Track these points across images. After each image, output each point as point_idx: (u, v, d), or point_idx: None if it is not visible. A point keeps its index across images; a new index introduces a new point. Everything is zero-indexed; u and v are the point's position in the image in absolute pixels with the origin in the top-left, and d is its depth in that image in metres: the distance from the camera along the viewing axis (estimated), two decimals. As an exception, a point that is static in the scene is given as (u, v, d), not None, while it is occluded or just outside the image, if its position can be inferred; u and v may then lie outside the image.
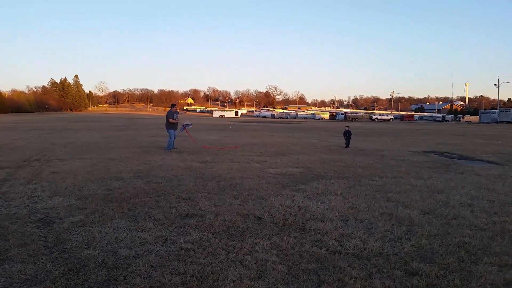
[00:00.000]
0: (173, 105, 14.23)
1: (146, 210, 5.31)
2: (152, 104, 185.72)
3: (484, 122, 71.43)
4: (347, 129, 15.60)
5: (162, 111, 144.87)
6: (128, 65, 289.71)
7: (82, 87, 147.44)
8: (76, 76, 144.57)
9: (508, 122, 65.81)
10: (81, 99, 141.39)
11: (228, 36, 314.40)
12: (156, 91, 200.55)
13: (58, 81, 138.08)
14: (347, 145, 15.21)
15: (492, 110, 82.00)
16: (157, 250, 3.82)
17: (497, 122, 68.04)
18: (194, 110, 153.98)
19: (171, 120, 13.28)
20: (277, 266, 3.49)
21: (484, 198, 6.47)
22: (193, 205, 5.66)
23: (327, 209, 5.53)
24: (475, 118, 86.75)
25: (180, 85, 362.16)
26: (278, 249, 3.90)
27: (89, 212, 5.13)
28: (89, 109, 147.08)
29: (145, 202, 5.76)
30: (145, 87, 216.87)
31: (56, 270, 3.29)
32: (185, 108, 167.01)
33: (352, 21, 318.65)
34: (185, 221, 4.83)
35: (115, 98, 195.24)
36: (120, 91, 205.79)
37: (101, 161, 10.18)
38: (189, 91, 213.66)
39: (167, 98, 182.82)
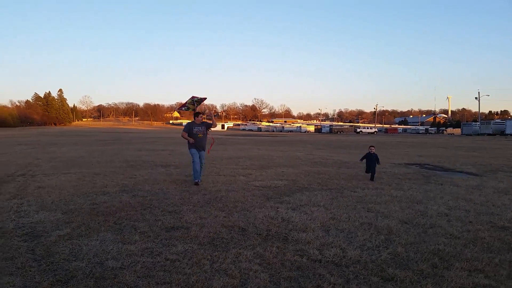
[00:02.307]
0: (197, 114, 9.33)
1: (132, 223, 5.40)
2: (137, 118, 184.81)
3: (466, 134, 73.05)
4: (372, 151, 10.16)
5: (147, 125, 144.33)
6: (113, 79, 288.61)
7: (67, 101, 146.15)
8: (60, 90, 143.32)
9: (489, 134, 67.45)
10: (65, 114, 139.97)
11: (214, 50, 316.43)
12: (141, 104, 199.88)
13: (42, 95, 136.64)
14: (371, 176, 9.98)
15: (473, 123, 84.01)
16: (143, 261, 3.92)
17: (478, 134, 69.66)
18: (180, 124, 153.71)
19: (184, 135, 9.19)
20: (260, 274, 3.63)
21: (461, 208, 6.73)
22: (178, 217, 5.77)
23: (310, 219, 5.70)
24: (458, 131, 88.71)
25: (166, 99, 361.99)
26: (261, 259, 4.05)
27: (76, 226, 5.20)
28: (73, 123, 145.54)
29: (131, 216, 5.85)
30: (130, 101, 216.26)
31: (44, 281, 3.38)
32: (171, 121, 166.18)
33: (336, 35, 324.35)
34: (171, 233, 4.94)
35: (100, 112, 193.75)
36: (105, 105, 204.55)
37: (86, 175, 10.20)
38: (175, 104, 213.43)
39: (153, 112, 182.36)
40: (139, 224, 5.38)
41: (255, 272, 3.69)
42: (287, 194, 7.82)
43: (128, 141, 30.59)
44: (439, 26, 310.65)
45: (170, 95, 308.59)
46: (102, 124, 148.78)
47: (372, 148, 10.35)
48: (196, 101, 9.81)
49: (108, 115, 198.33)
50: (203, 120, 9.59)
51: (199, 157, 9.12)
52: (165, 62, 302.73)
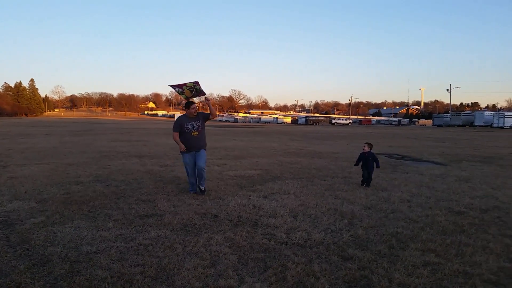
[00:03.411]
0: (188, 105, 6.94)
1: (105, 212, 5.53)
2: (111, 109, 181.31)
3: (437, 126, 75.26)
4: (366, 149, 7.96)
5: (121, 116, 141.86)
6: (86, 68, 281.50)
7: (38, 91, 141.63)
8: (31, 80, 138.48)
9: (459, 125, 69.71)
10: (36, 104, 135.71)
11: (190, 40, 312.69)
12: (115, 95, 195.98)
13: (12, 85, 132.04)
14: (366, 182, 7.79)
15: (444, 114, 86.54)
16: (117, 246, 4.09)
17: (449, 126, 71.86)
18: (156, 115, 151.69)
19: (176, 139, 6.92)
20: (229, 256, 3.86)
21: (423, 195, 7.13)
22: (152, 206, 5.92)
23: (280, 206, 5.96)
24: (429, 122, 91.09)
25: (141, 89, 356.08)
26: (231, 242, 4.28)
27: (50, 214, 5.29)
28: (45, 114, 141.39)
29: (105, 204, 5.96)
30: (103, 91, 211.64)
31: (20, 266, 3.50)
32: (146, 112, 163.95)
33: (312, 28, 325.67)
34: (144, 221, 5.10)
35: (72, 102, 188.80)
36: (77, 95, 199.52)
37: (60, 166, 10.16)
38: (151, 95, 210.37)
39: (127, 102, 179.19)
40: (113, 212, 5.51)
41: (224, 254, 3.91)
42: (259, 183, 8.06)
43: (101, 132, 30.19)
44: (412, 21, 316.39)
45: (146, 85, 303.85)
46: (74, 114, 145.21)
47: (365, 146, 7.92)
48: (197, 89, 6.99)
49: (81, 105, 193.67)
50: (198, 111, 7.05)
51: (196, 161, 6.76)
52: (140, 51, 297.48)
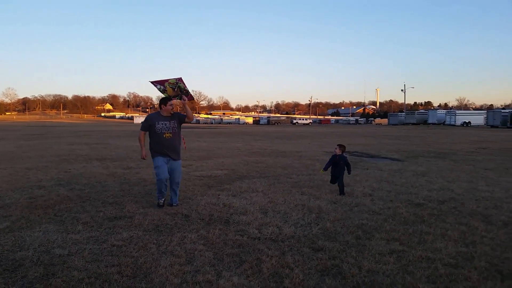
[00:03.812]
0: (165, 101, 5.95)
1: (73, 215, 5.42)
2: (66, 111, 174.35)
3: (393, 124, 78.15)
4: (337, 152, 7.14)
5: (77, 118, 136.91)
6: (39, 70, 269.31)
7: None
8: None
9: (413, 124, 72.73)
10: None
11: (148, 39, 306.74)
12: (70, 96, 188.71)
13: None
14: (340, 189, 6.94)
15: (399, 113, 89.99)
16: (90, 248, 4.05)
17: (403, 124, 74.82)
18: (113, 117, 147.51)
19: (141, 139, 6.09)
20: (204, 253, 3.93)
21: (383, 189, 7.48)
22: (120, 208, 5.86)
23: (249, 204, 6.08)
24: (385, 121, 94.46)
25: (97, 91, 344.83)
26: (205, 240, 4.34)
27: (15, 219, 5.12)
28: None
29: (71, 208, 5.84)
30: (58, 93, 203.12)
31: (-10, 272, 3.41)
32: (103, 114, 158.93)
33: (271, 28, 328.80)
34: (114, 223, 5.05)
35: (25, 105, 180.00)
36: (30, 97, 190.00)
37: (18, 170, 9.77)
38: (107, 96, 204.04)
39: (83, 104, 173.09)
40: (81, 215, 5.41)
41: (200, 251, 3.98)
42: (227, 182, 8.14)
43: (58, 135, 29.07)
44: (368, 23, 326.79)
45: (101, 86, 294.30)
46: (28, 117, 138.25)
47: (337, 148, 7.10)
48: (180, 88, 6.14)
49: (34, 108, 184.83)
50: (174, 111, 5.99)
51: (171, 173, 5.87)
52: (95, 53, 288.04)
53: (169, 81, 6.07)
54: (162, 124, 5.83)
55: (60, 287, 3.12)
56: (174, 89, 6.14)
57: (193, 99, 6.49)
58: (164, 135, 5.81)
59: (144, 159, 6.05)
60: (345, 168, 7.00)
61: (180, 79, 6.07)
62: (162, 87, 6.16)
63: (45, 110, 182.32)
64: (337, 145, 7.26)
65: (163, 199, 6.00)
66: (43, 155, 13.72)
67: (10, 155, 13.63)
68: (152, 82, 6.20)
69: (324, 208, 5.77)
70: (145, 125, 5.94)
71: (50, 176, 8.95)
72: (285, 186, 7.63)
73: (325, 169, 7.15)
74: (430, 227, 4.87)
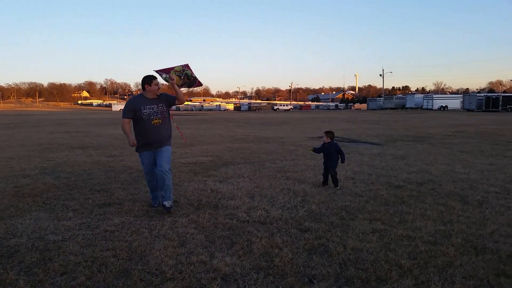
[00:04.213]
0: (150, 79, 4.99)
1: (62, 203, 5.46)
2: (42, 99, 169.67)
3: (372, 109, 79.27)
4: (326, 140, 6.55)
5: (53, 106, 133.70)
6: (12, 57, 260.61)
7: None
8: None
9: (391, 108, 73.98)
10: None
11: (124, 24, 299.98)
12: (46, 84, 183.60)
13: None
14: (332, 179, 6.38)
15: (378, 98, 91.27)
16: (83, 234, 4.13)
17: (382, 109, 76.01)
18: (91, 104, 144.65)
19: (125, 127, 4.96)
20: (196, 236, 4.07)
21: (365, 172, 7.73)
22: (108, 195, 5.92)
23: (236, 189, 6.23)
24: (364, 106, 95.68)
25: (73, 78, 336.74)
26: (196, 224, 4.48)
27: (4, 208, 5.14)
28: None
29: (59, 196, 5.87)
30: (33, 81, 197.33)
31: (-14, 259, 3.47)
32: (80, 102, 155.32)
33: (253, 15, 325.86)
34: (104, 209, 5.12)
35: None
36: (4, 85, 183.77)
37: (0, 160, 9.64)
38: (84, 83, 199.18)
39: (59, 92, 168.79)
40: (70, 203, 5.46)
41: (191, 234, 4.11)
42: (213, 168, 8.26)
43: (36, 124, 28.48)
44: (347, 10, 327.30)
45: (78, 73, 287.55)
46: (2, 106, 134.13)
47: (325, 136, 6.51)
48: (188, 75, 5.69)
49: (9, 96, 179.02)
50: (160, 92, 5.07)
51: (157, 160, 5.00)
52: (71, 39, 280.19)
53: (174, 68, 5.59)
54: (149, 109, 4.89)
55: (59, 271, 3.21)
56: (181, 77, 5.64)
57: (201, 85, 5.98)
58: (152, 122, 4.89)
59: (135, 145, 4.91)
60: (338, 156, 6.36)
61: (186, 66, 5.66)
62: (167, 76, 5.50)
63: (20, 98, 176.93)
64: (324, 132, 6.61)
65: (157, 203, 5.20)
66: (24, 144, 13.52)
67: (-12, 145, 13.37)
68: (157, 71, 5.50)
69: (309, 192, 5.97)
70: (128, 111, 4.89)
71: (34, 165, 8.88)
72: (270, 172, 7.80)
73: (315, 151, 6.67)
74: (410, 207, 5.12)
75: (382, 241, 3.86)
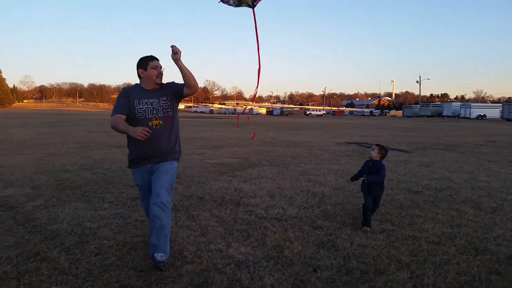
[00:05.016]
0: (147, 60, 3.56)
1: (98, 195, 6.01)
2: (82, 99, 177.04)
3: (407, 116, 77.70)
4: (375, 156, 4.71)
5: (93, 107, 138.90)
6: (56, 58, 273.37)
7: (6, 82, 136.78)
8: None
9: (428, 116, 72.25)
10: (4, 95, 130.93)
11: (162, 30, 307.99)
12: (86, 85, 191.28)
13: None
14: (371, 209, 4.67)
15: (414, 105, 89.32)
16: (116, 222, 4.62)
17: (418, 116, 74.35)
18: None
19: (116, 125, 3.45)
20: (216, 228, 4.47)
21: (386, 178, 7.83)
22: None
23: (258, 189, 6.59)
24: (400, 113, 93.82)
25: (112, 79, 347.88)
26: (217, 218, 4.88)
27: (47, 198, 5.74)
28: (13, 105, 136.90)
29: (96, 189, 6.43)
30: (74, 81, 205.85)
31: (34, 239, 4.00)
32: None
33: (285, 19, 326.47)
34: (136, 202, 5.60)
35: (42, 93, 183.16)
36: (47, 85, 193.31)
37: (43, 156, 10.45)
38: (123, 85, 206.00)
39: (98, 93, 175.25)
40: (106, 195, 6.00)
41: (212, 227, 4.51)
42: (239, 169, 8.67)
43: (76, 123, 30.02)
44: (384, 14, 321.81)
45: (117, 75, 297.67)
46: (44, 105, 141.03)
47: (375, 150, 4.74)
48: None
49: (51, 96, 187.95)
50: (161, 81, 3.65)
51: (153, 183, 3.58)
52: (111, 42, 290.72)
53: None
54: (146, 103, 3.51)
55: (93, 252, 3.68)
56: None
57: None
58: (150, 123, 3.49)
59: (144, 132, 3.22)
60: (378, 181, 4.68)
61: None
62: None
63: (61, 98, 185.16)
64: (375, 145, 4.86)
65: (156, 256, 3.34)
66: (65, 142, 14.45)
67: (33, 142, 14.40)
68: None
69: (327, 194, 6.25)
70: (120, 106, 3.52)
71: (73, 161, 9.59)
72: (293, 174, 8.12)
73: (354, 178, 4.97)
74: (422, 211, 5.31)
75: (388, 240, 4.12)
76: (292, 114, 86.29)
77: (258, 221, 4.78)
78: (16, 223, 4.54)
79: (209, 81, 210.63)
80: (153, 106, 3.55)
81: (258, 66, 4.22)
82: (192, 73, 3.50)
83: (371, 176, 4.62)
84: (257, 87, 4.40)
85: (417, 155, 11.99)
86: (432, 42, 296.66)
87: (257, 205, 5.52)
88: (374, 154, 4.73)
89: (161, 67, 3.60)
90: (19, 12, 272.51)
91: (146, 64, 3.55)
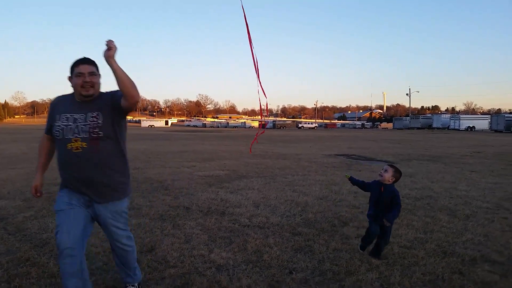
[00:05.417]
0: (77, 63, 2.77)
1: (88, 207, 6.17)
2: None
3: (398, 129, 78.57)
4: (387, 179, 3.94)
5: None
6: (47, 73, 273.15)
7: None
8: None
9: (418, 128, 73.14)
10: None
11: (156, 43, 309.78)
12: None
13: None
14: (375, 246, 4.05)
15: (404, 118, 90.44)
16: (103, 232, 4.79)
17: (408, 128, 75.23)
18: (128, 121, 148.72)
19: (42, 143, 3.18)
20: (200, 235, 4.67)
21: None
22: (129, 202, 6.59)
23: (244, 199, 6.81)
24: (391, 125, 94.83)
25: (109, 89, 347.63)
26: (202, 226, 5.08)
27: (38, 210, 5.91)
28: (4, 120, 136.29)
29: (86, 201, 6.60)
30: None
31: (24, 246, 4.18)
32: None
33: (276, 32, 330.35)
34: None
35: (34, 108, 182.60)
36: (39, 101, 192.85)
37: (34, 170, 10.55)
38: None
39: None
40: (95, 207, 6.16)
41: (196, 234, 4.71)
42: (227, 181, 8.88)
43: (69, 138, 30.08)
44: (374, 27, 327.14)
45: (108, 89, 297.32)
46: (36, 121, 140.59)
47: (388, 171, 3.99)
48: None
49: (43, 111, 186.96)
50: (90, 92, 2.79)
51: (106, 233, 3.21)
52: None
53: None
54: (66, 120, 2.79)
55: (82, 258, 3.87)
56: None
57: None
58: (70, 146, 2.76)
59: (36, 193, 3.20)
60: (392, 208, 3.92)
61: None
62: None
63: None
64: (389, 165, 4.12)
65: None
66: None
67: (25, 156, 14.50)
68: None
69: (310, 203, 6.48)
70: (47, 122, 3.01)
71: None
72: (279, 185, 8.34)
73: (354, 180, 4.46)
74: (399, 218, 5.52)
75: (361, 245, 4.34)
76: (284, 127, 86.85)
77: (241, 229, 4.98)
78: (7, 233, 4.71)
79: (202, 95, 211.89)
80: (76, 124, 2.75)
81: (257, 74, 4.20)
82: (131, 79, 2.63)
83: (389, 215, 3.83)
84: (264, 93, 4.27)
85: (402, 166, 12.27)
86: (423, 54, 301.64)
87: (241, 214, 5.73)
88: (388, 176, 3.94)
89: (90, 73, 2.74)
90: (9, 27, 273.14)
91: (72, 70, 2.80)
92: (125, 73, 2.62)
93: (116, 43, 2.60)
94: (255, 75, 4.23)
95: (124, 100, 2.71)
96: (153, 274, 3.50)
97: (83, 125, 2.75)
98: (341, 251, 4.11)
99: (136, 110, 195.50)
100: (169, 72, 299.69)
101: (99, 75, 2.86)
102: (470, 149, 19.68)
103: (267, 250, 4.15)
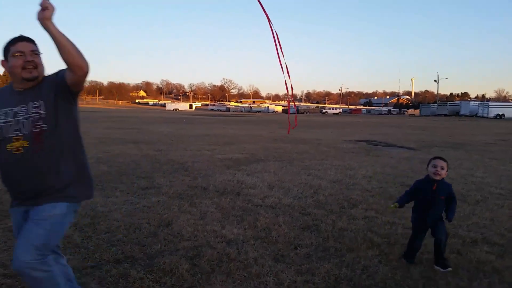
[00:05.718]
0: (10, 43, 2.26)
1: (111, 185, 6.56)
2: (101, 97, 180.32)
3: (424, 115, 76.90)
4: (440, 173, 3.54)
5: (112, 104, 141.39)
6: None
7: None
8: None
9: (445, 115, 71.40)
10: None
11: (181, 28, 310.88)
12: (105, 83, 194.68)
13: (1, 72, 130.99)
14: (439, 247, 3.48)
15: (431, 104, 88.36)
16: (126, 207, 5.15)
17: (435, 115, 73.54)
18: (147, 103, 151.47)
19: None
20: (214, 213, 4.95)
21: (385, 173, 8.26)
22: (151, 181, 6.97)
23: (260, 181, 7.06)
24: (418, 112, 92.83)
25: (131, 78, 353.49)
26: (217, 205, 5.36)
27: None
28: None
29: (110, 180, 6.99)
30: (93, 79, 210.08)
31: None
32: (137, 101, 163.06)
33: (301, 17, 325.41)
34: (145, 191, 6.15)
35: None
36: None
37: None
38: (141, 83, 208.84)
39: (118, 91, 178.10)
40: (118, 185, 6.55)
41: (211, 212, 5.00)
42: (245, 164, 9.14)
43: (95, 120, 30.98)
44: (404, 12, 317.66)
45: (136, 74, 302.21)
46: None
47: (440, 165, 3.61)
48: None
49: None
50: (33, 75, 2.29)
51: (16, 245, 2.25)
52: (130, 41, 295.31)
53: None
54: (4, 115, 2.32)
55: (103, 230, 4.22)
56: None
57: None
58: (10, 147, 2.28)
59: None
60: (448, 210, 3.60)
61: None
62: None
63: (81, 96, 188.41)
64: (437, 157, 3.72)
65: None
66: (83, 138, 15.15)
67: None
68: None
69: (323, 186, 6.68)
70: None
71: (91, 155, 10.17)
72: (295, 169, 8.55)
73: (400, 202, 3.79)
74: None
75: (367, 225, 4.53)
76: (308, 113, 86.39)
77: (253, 208, 5.24)
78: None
79: (226, 79, 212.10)
80: (17, 119, 2.29)
81: (279, 60, 4.09)
82: (76, 45, 2.20)
83: (450, 214, 3.52)
84: (289, 77, 3.91)
85: (422, 152, 12.25)
86: (453, 40, 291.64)
87: (255, 195, 5.99)
88: (445, 172, 3.55)
89: (32, 52, 2.30)
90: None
91: (7, 50, 2.30)
92: (67, 38, 2.16)
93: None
94: (277, 54, 4.02)
95: (70, 73, 2.25)
96: (168, 246, 3.80)
97: (24, 118, 2.28)
98: (346, 230, 4.31)
99: (161, 94, 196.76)
100: (194, 56, 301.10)
101: (41, 54, 2.36)
102: (495, 137, 19.26)
103: (275, 227, 4.39)
